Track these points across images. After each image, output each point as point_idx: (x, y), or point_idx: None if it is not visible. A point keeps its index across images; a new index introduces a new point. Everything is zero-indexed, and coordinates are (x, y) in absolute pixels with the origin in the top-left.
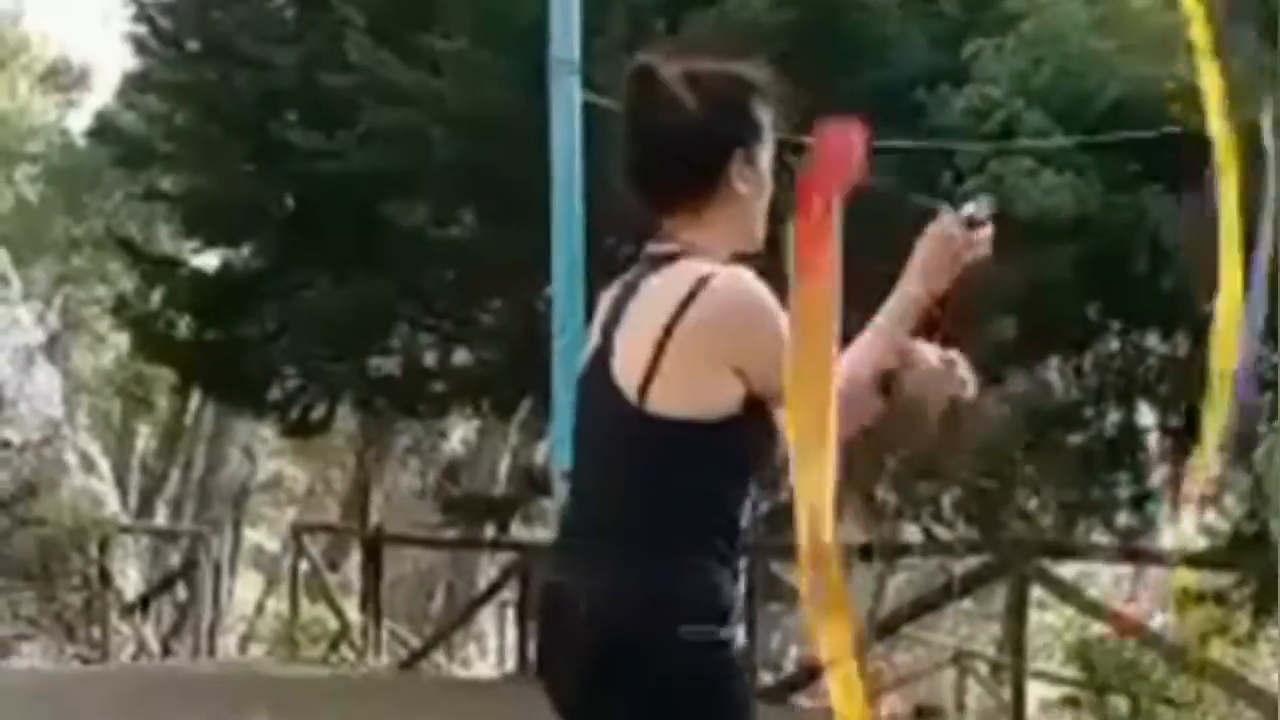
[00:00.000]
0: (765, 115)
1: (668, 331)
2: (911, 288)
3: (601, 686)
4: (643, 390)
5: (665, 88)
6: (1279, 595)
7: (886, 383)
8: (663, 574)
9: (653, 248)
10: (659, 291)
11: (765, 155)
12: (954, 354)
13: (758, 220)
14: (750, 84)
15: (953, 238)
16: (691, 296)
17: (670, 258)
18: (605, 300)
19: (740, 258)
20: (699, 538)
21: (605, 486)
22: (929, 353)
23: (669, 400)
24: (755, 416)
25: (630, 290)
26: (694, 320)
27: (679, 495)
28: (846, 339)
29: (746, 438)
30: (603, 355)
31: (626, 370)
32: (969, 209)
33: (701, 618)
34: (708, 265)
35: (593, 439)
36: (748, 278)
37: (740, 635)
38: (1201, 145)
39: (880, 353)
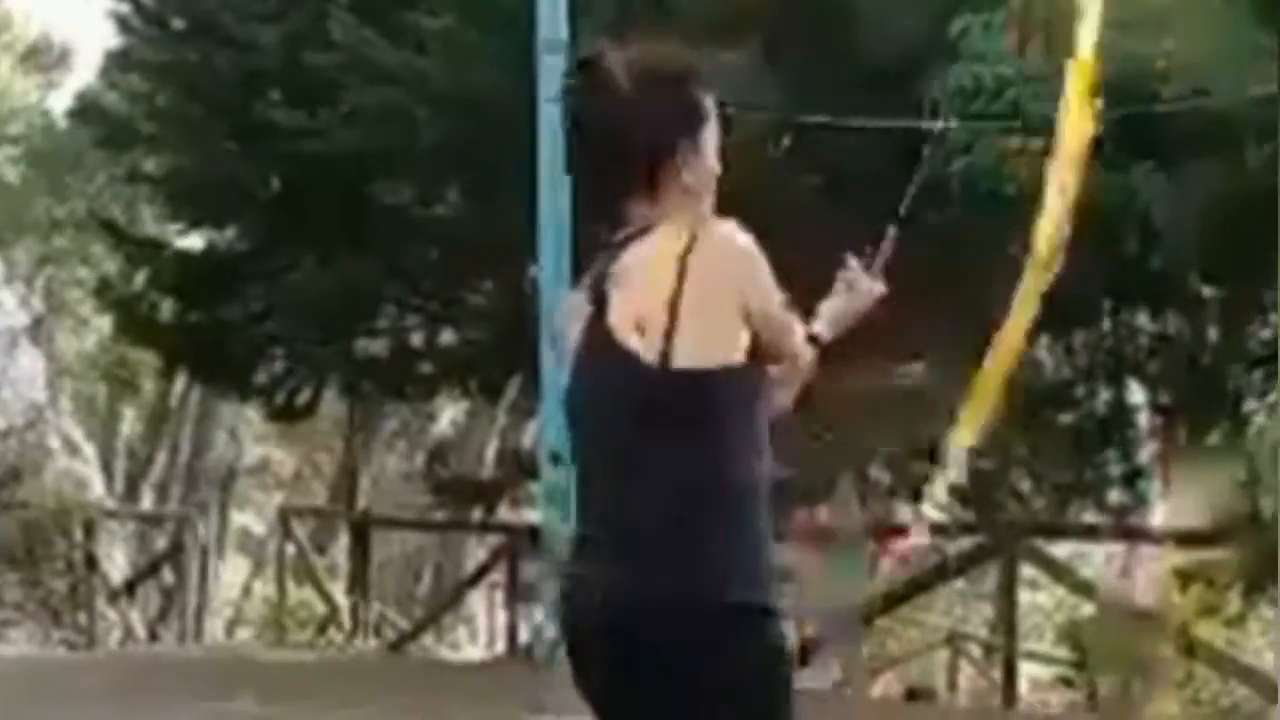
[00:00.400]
0: (709, 103)
1: (679, 284)
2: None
3: (631, 673)
4: (665, 348)
5: (609, 78)
6: (1273, 575)
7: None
8: (703, 547)
9: (621, 233)
10: (654, 252)
11: (710, 144)
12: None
13: (704, 206)
14: (693, 70)
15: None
16: (693, 244)
17: (649, 227)
18: (584, 282)
19: None
20: (724, 514)
21: (622, 467)
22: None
23: (693, 351)
24: (755, 367)
25: (610, 261)
26: (700, 266)
27: (704, 454)
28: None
29: (753, 386)
30: (598, 329)
31: (644, 331)
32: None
33: (748, 584)
34: (691, 218)
35: (602, 413)
36: (735, 225)
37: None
38: (1193, 122)
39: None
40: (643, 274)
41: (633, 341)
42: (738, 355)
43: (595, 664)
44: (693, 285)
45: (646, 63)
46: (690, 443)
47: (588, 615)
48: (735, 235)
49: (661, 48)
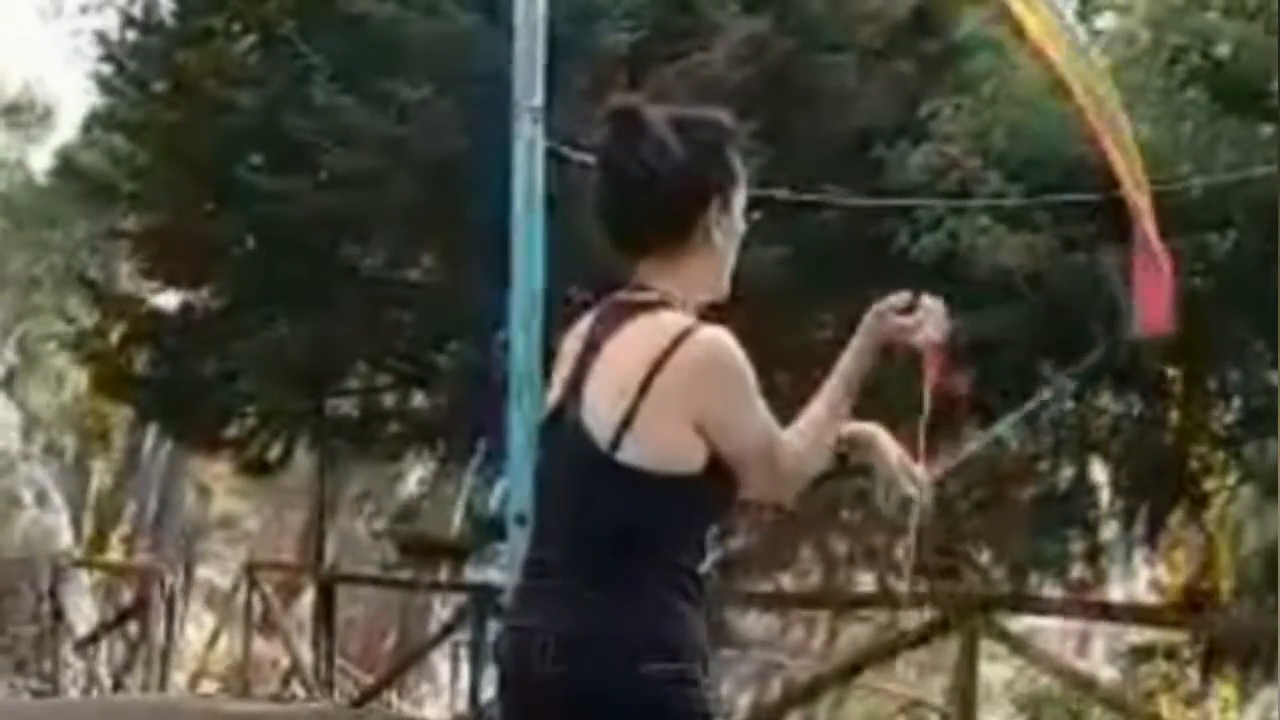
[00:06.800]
0: (739, 162)
1: (647, 382)
2: (847, 365)
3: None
4: (616, 440)
5: (652, 131)
6: (1232, 652)
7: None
8: (629, 612)
9: (625, 295)
10: (638, 340)
11: (739, 203)
12: (908, 461)
13: (726, 270)
14: (729, 130)
15: (886, 318)
16: (673, 349)
17: (647, 306)
18: (572, 341)
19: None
20: (664, 577)
21: (569, 530)
22: (890, 452)
23: (641, 452)
24: (719, 476)
25: (602, 333)
26: (672, 374)
27: (643, 538)
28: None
29: (708, 495)
30: (571, 397)
31: (601, 416)
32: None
33: (670, 654)
34: (688, 319)
35: (557, 483)
36: (729, 338)
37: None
38: (1159, 207)
39: (836, 420)
40: (619, 363)
41: (593, 427)
42: (689, 466)
43: (540, 716)
44: (657, 389)
45: (686, 117)
46: (629, 528)
47: (535, 667)
48: (711, 346)
49: (698, 107)
